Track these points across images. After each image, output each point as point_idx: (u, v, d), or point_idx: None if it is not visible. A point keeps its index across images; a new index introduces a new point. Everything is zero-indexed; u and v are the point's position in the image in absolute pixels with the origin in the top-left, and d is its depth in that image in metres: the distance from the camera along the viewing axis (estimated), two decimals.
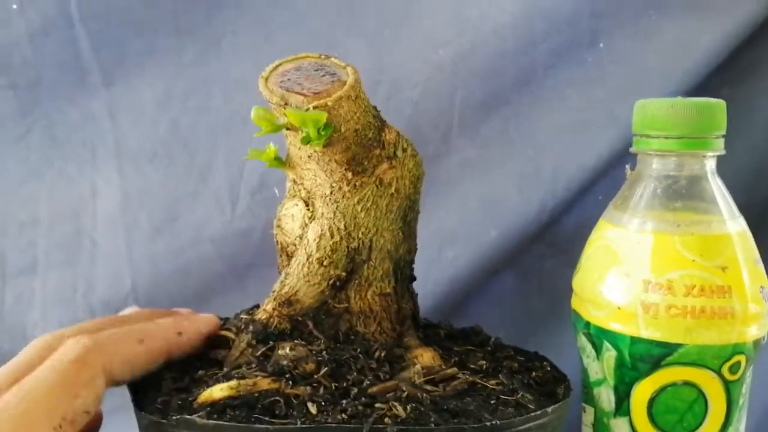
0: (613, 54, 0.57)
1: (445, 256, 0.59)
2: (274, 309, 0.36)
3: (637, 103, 0.37)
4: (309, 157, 0.36)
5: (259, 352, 0.34)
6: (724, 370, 0.34)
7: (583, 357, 0.39)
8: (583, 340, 0.38)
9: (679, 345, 0.34)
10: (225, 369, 0.34)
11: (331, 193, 0.36)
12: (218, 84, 0.58)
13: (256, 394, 0.31)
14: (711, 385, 0.35)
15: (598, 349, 0.37)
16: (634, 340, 0.35)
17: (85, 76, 0.56)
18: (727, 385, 0.35)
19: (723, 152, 0.36)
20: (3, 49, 0.55)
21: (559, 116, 0.58)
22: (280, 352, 0.33)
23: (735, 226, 0.35)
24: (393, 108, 0.57)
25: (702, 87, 0.56)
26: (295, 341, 0.34)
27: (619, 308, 0.35)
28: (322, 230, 0.36)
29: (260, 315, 0.36)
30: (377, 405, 0.31)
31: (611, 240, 0.37)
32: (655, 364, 0.35)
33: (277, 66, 0.36)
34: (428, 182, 0.59)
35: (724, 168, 0.37)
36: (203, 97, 0.58)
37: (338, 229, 0.36)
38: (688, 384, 0.35)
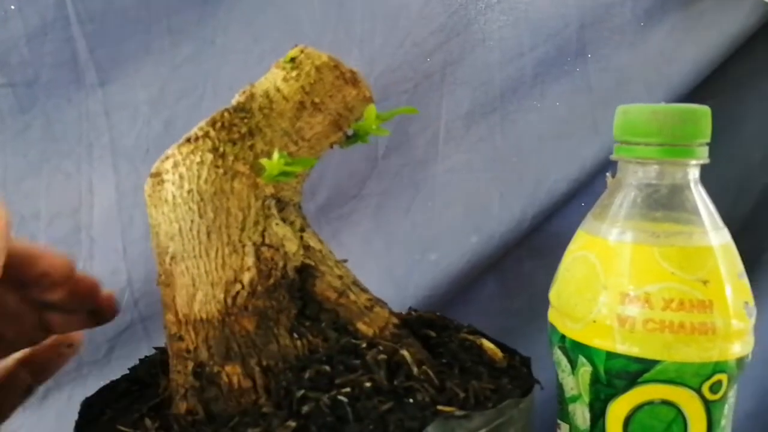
0: (599, 64, 0.59)
1: (427, 259, 0.59)
2: None
3: (618, 108, 0.36)
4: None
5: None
6: (705, 389, 0.33)
7: (558, 372, 0.37)
8: (558, 354, 0.37)
9: (656, 361, 0.32)
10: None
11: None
12: (211, 83, 0.58)
13: None
14: (690, 405, 0.33)
15: (573, 364, 0.36)
16: (610, 355, 0.33)
17: (81, 75, 0.57)
18: (708, 405, 0.33)
19: (707, 161, 0.35)
20: (1, 48, 0.56)
21: (544, 125, 0.59)
22: None
23: (718, 237, 0.34)
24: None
25: (687, 98, 0.57)
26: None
27: (594, 321, 0.34)
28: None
29: None
30: None
31: (589, 251, 0.35)
32: (632, 381, 0.33)
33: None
34: (414, 187, 0.61)
35: (707, 178, 0.35)
36: (196, 97, 0.58)
37: None
38: (666, 403, 0.33)
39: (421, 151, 0.59)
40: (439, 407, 0.29)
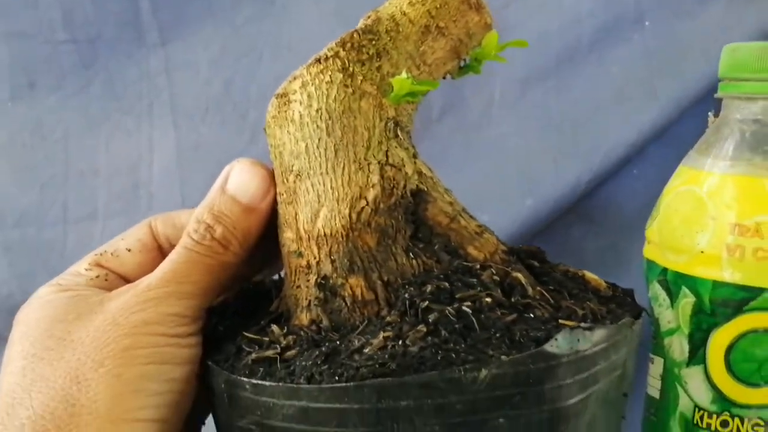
0: (657, 32, 0.59)
1: (480, 220, 0.59)
2: None
3: (725, 47, 0.37)
4: None
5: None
6: None
7: (654, 307, 0.38)
8: (656, 289, 0.38)
9: (763, 289, 0.33)
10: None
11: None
12: (270, 43, 0.59)
13: None
14: None
15: (673, 296, 0.36)
16: (716, 284, 0.34)
17: (143, 34, 0.59)
18: None
19: None
20: (66, 6, 0.58)
21: (600, 91, 0.59)
22: None
23: None
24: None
25: None
26: None
27: (702, 252, 0.35)
28: None
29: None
30: None
31: (695, 185, 0.36)
32: (736, 310, 0.34)
33: None
34: (467, 149, 0.62)
35: None
36: (255, 57, 0.60)
37: None
38: None
39: (475, 115, 0.60)
40: (562, 320, 0.30)
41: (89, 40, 0.58)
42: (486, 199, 0.59)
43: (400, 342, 0.29)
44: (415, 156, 0.35)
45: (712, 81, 0.57)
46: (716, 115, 0.38)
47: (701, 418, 0.36)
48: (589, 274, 0.36)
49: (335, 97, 0.32)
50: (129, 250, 0.35)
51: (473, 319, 0.30)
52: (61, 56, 0.58)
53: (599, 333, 0.30)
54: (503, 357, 0.27)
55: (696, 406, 0.36)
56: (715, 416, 0.35)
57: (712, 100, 0.58)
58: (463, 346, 0.28)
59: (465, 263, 0.34)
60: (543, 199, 0.59)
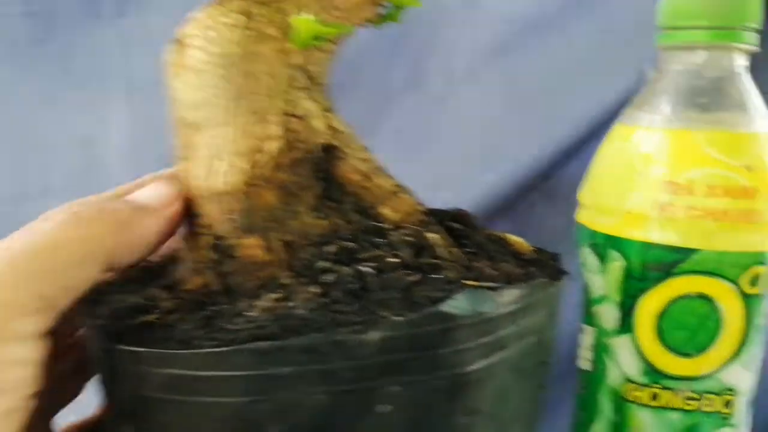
0: (623, 2, 0.56)
1: (441, 197, 0.57)
2: None
3: None
4: None
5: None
6: (743, 281, 0.31)
7: (585, 273, 0.36)
8: (586, 254, 0.35)
9: (694, 250, 0.31)
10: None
11: None
12: None
13: None
14: (727, 299, 0.31)
15: (602, 260, 0.34)
16: (646, 246, 0.32)
17: (99, 6, 0.56)
18: (746, 300, 0.32)
19: (757, 49, 0.33)
20: None
21: (566, 63, 0.57)
22: None
23: (765, 126, 0.32)
24: (397, 49, 0.57)
25: None
26: None
27: (630, 212, 0.32)
28: None
29: None
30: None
31: (627, 141, 0.34)
32: (667, 273, 0.32)
33: None
34: (428, 124, 0.59)
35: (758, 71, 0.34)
36: None
37: None
38: (701, 297, 0.32)
39: (438, 87, 0.58)
40: (466, 281, 0.28)
41: (44, 14, 0.56)
42: (447, 175, 0.58)
43: (288, 304, 0.26)
44: (328, 110, 0.33)
45: None
46: (654, 69, 0.35)
47: (630, 390, 0.34)
48: (513, 237, 0.34)
49: (234, 40, 0.29)
50: None
51: (371, 279, 0.27)
52: (16, 29, 0.56)
53: (507, 294, 0.27)
54: (396, 318, 0.25)
55: (625, 378, 0.34)
56: (645, 389, 0.33)
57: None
58: (355, 307, 0.26)
59: (375, 224, 0.31)
60: (506, 175, 0.57)
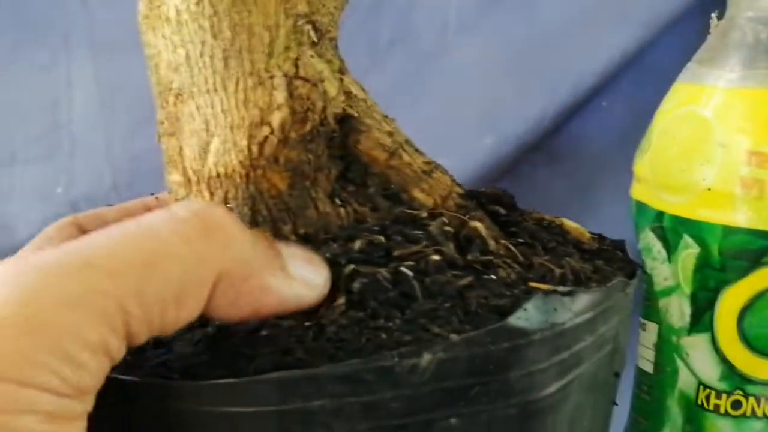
0: None
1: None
2: None
3: None
4: None
5: None
6: None
7: (647, 261, 0.31)
8: (649, 238, 0.30)
9: None
10: None
11: None
12: None
13: None
14: None
15: (671, 248, 0.29)
16: (728, 231, 0.27)
17: None
18: None
19: None
20: None
21: (567, 11, 0.53)
22: None
23: None
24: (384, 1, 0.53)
25: None
26: None
27: (709, 189, 0.27)
28: None
29: None
30: None
31: (697, 104, 0.28)
32: (753, 263, 0.27)
33: None
34: (421, 83, 0.54)
35: None
36: None
37: None
38: None
39: (428, 42, 0.53)
40: (532, 284, 0.23)
41: None
42: (441, 138, 0.52)
43: (312, 320, 0.21)
44: (341, 71, 0.27)
45: None
46: (720, 16, 0.30)
47: (707, 397, 0.29)
48: (569, 223, 0.29)
49: None
50: None
51: (414, 284, 0.22)
52: None
53: (583, 299, 0.22)
54: (453, 336, 0.20)
55: (700, 383, 0.29)
56: (725, 396, 0.28)
57: (691, 20, 0.52)
58: (398, 322, 0.20)
59: (408, 210, 0.26)
60: (505, 136, 0.53)
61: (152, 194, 0.46)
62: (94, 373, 0.17)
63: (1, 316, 0.16)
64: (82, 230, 0.28)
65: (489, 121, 0.53)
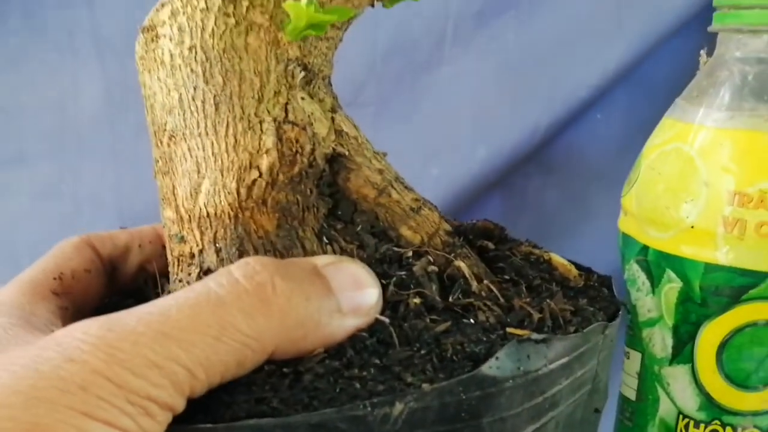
0: None
1: (428, 174, 0.54)
2: None
3: None
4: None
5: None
6: None
7: (631, 291, 0.31)
8: (633, 270, 0.31)
9: (767, 274, 0.26)
10: None
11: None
12: None
13: None
14: None
15: (655, 281, 0.29)
16: (709, 268, 0.27)
17: None
18: None
19: None
20: None
21: (562, 25, 0.53)
22: None
23: None
24: (382, 11, 0.52)
25: None
26: None
27: (692, 227, 0.27)
28: None
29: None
30: None
31: (683, 142, 0.29)
32: (733, 299, 0.27)
33: None
34: (416, 94, 0.54)
35: None
36: None
37: None
38: None
39: (425, 53, 0.53)
40: (510, 329, 0.23)
41: None
42: (436, 148, 0.54)
43: (290, 367, 0.21)
44: (333, 110, 0.28)
45: (685, 12, 0.51)
46: (709, 53, 0.30)
47: (686, 426, 0.29)
48: (557, 258, 0.29)
49: (213, 30, 0.24)
50: (73, 277, 0.28)
51: (392, 330, 0.22)
52: None
53: (558, 345, 0.23)
54: (425, 385, 0.20)
55: (680, 412, 0.30)
56: (702, 425, 0.29)
57: (686, 33, 0.52)
58: (372, 371, 0.21)
59: (395, 249, 0.26)
60: (498, 147, 0.53)
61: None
62: (160, 422, 0.20)
63: (97, 370, 0.19)
64: (97, 252, 0.29)
65: (483, 132, 0.53)
